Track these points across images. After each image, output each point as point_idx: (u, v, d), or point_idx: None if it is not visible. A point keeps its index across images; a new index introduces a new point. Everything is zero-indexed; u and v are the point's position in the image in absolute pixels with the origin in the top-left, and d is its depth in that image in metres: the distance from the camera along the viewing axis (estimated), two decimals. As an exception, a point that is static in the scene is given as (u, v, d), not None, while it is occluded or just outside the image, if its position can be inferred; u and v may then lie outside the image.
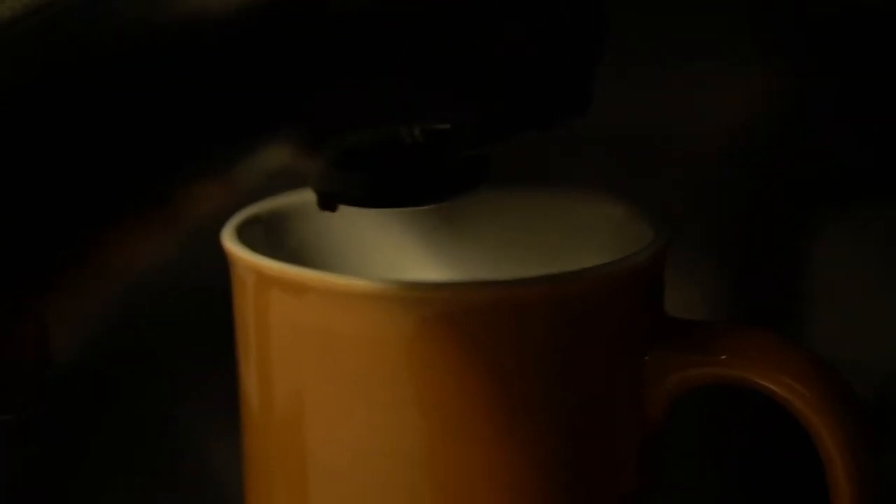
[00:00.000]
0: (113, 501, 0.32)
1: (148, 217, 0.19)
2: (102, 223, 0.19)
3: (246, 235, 0.27)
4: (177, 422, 0.32)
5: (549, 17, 0.23)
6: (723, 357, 0.24)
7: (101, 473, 0.31)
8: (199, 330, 0.31)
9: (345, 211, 0.26)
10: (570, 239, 0.29)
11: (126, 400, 0.31)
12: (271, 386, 0.25)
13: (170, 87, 0.19)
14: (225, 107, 0.19)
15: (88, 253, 0.19)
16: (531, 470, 0.24)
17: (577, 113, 0.24)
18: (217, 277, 0.26)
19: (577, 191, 0.29)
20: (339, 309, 0.24)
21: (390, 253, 0.30)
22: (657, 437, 0.25)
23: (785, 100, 0.35)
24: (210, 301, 0.27)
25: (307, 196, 0.26)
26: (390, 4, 0.21)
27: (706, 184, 0.36)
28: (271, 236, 0.29)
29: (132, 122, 0.18)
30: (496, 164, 0.25)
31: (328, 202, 0.26)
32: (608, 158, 0.35)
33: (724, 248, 0.36)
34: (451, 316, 0.23)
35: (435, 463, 0.24)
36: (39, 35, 0.22)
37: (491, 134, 0.24)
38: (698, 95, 0.35)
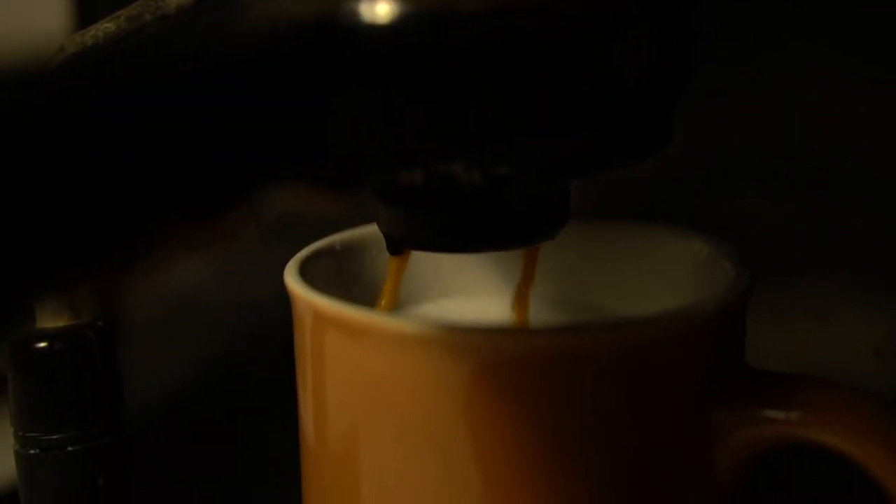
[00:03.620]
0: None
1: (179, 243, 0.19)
2: (139, 246, 0.19)
3: (315, 269, 0.26)
4: (252, 452, 0.32)
5: (631, 50, 0.22)
6: (796, 413, 0.22)
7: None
8: (270, 364, 0.31)
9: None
10: (644, 277, 0.27)
11: (199, 432, 0.31)
12: (326, 423, 0.25)
13: (207, 116, 0.18)
14: (250, 138, 0.19)
15: (135, 274, 0.19)
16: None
17: (652, 152, 0.23)
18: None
19: (655, 226, 0.28)
20: (394, 352, 0.23)
21: (464, 284, 0.29)
22: (728, 498, 0.23)
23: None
24: (280, 335, 0.27)
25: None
26: (443, 36, 0.20)
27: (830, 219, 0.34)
28: (345, 268, 0.28)
29: (169, 154, 0.18)
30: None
31: (395, 245, 0.26)
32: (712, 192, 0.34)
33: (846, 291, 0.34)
34: (504, 362, 0.22)
35: (485, 512, 0.23)
36: (121, 61, 0.23)
37: (558, 174, 0.23)
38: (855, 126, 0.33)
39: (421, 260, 0.28)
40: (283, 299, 0.26)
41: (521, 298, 0.27)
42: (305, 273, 0.26)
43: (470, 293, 0.30)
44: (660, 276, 0.27)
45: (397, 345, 0.23)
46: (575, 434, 0.22)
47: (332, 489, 0.25)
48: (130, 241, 0.19)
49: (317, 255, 0.27)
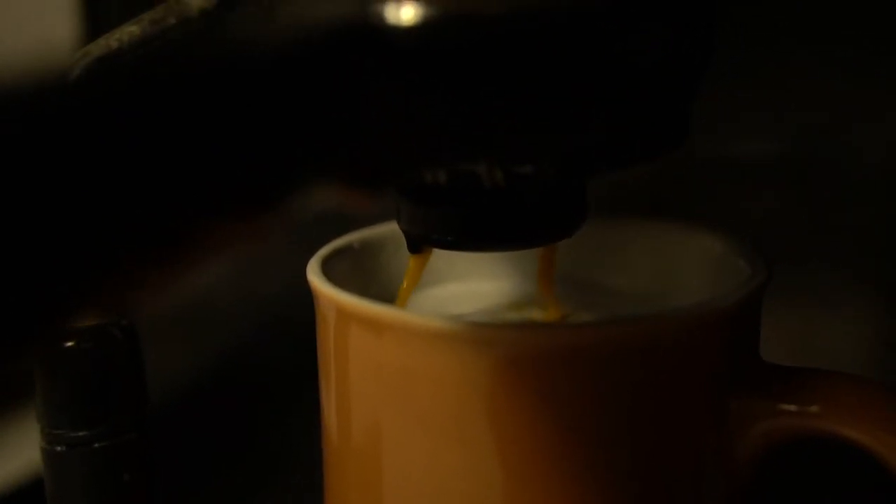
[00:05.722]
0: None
1: (211, 245, 0.19)
2: (174, 247, 0.19)
3: (335, 267, 0.27)
4: (276, 448, 0.32)
5: (650, 47, 0.22)
6: (813, 407, 0.23)
7: (194, 500, 0.32)
8: (288, 359, 0.31)
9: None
10: (661, 274, 0.28)
11: (221, 427, 0.31)
12: (349, 418, 0.25)
13: (238, 118, 0.19)
14: (283, 140, 0.19)
15: (167, 276, 0.19)
16: (606, 519, 0.23)
17: (669, 148, 0.23)
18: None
19: (672, 223, 0.28)
20: (416, 348, 0.23)
21: (487, 291, 0.30)
22: (746, 491, 0.24)
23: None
24: (309, 333, 0.28)
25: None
26: (462, 33, 0.20)
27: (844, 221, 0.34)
28: (363, 267, 0.29)
29: (201, 156, 0.19)
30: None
31: (416, 243, 0.26)
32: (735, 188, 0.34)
33: (853, 286, 0.34)
34: (528, 358, 0.23)
35: (508, 506, 0.23)
36: (144, 63, 0.23)
37: (577, 172, 0.23)
38: (851, 124, 0.33)
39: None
40: (298, 295, 0.26)
41: (542, 300, 0.28)
42: (326, 271, 0.26)
43: (474, 278, 0.30)
44: (675, 273, 0.28)
45: (421, 340, 0.23)
46: (597, 427, 0.23)
47: (355, 482, 0.25)
48: (166, 244, 0.19)
49: (337, 253, 0.28)
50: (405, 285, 0.27)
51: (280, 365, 0.33)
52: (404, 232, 0.25)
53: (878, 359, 0.35)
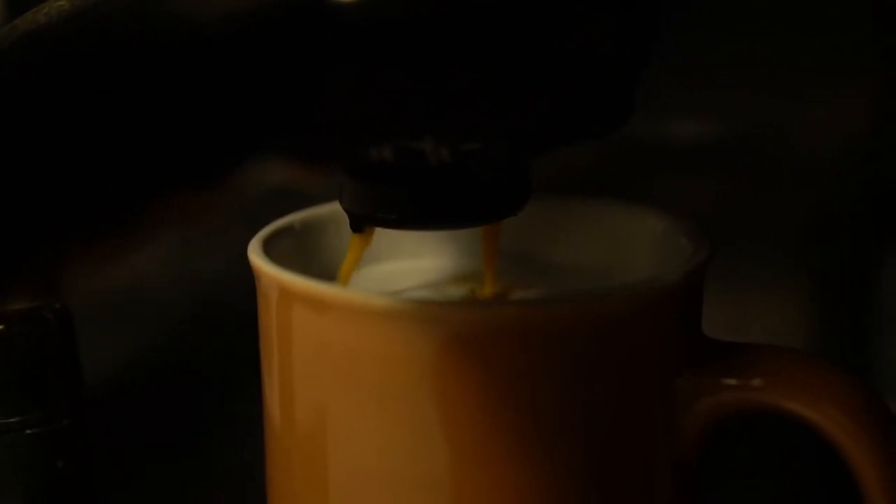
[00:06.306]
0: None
1: (155, 222, 0.19)
2: (114, 225, 0.19)
3: (276, 247, 0.26)
4: (216, 433, 0.32)
5: (596, 24, 0.22)
6: (757, 381, 0.23)
7: (130, 487, 0.31)
8: (227, 343, 0.31)
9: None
10: (609, 255, 0.28)
11: (159, 413, 0.31)
12: (293, 401, 0.25)
13: (181, 93, 0.18)
14: (228, 114, 0.19)
15: (105, 256, 0.19)
16: (554, 495, 0.23)
17: (616, 125, 0.23)
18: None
19: (614, 202, 0.28)
20: (362, 327, 0.23)
21: (428, 267, 0.29)
22: (692, 467, 0.24)
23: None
24: (249, 315, 0.27)
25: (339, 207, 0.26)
26: (408, 9, 0.20)
27: (775, 199, 0.35)
28: (305, 248, 0.28)
29: (141, 131, 0.18)
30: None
31: (359, 222, 0.26)
32: (675, 169, 0.35)
33: (790, 269, 0.35)
34: (474, 336, 0.23)
35: (456, 485, 0.23)
36: (75, 38, 0.22)
37: (524, 150, 0.23)
38: (787, 111, 0.34)
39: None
40: (237, 276, 0.26)
41: (485, 277, 0.28)
42: (268, 251, 0.26)
43: (416, 254, 0.30)
44: (618, 250, 0.28)
45: (367, 319, 0.23)
46: (544, 405, 0.23)
47: (299, 467, 0.25)
48: (106, 221, 0.18)
49: (278, 233, 0.27)
50: (346, 264, 0.27)
51: (220, 348, 0.32)
52: (347, 211, 0.25)
53: (812, 337, 0.35)
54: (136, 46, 0.20)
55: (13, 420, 0.26)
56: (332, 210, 0.28)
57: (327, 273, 0.28)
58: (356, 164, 0.24)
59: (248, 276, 0.26)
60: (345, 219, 0.26)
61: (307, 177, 0.21)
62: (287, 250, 0.27)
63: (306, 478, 0.25)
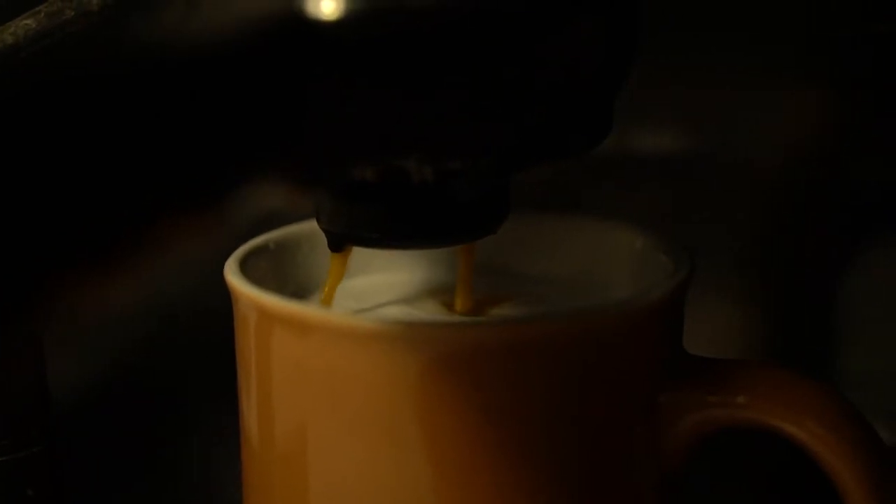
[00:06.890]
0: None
1: (141, 247, 0.18)
2: (100, 251, 0.18)
3: (251, 267, 0.26)
4: (187, 455, 0.31)
5: (570, 41, 0.22)
6: (740, 398, 0.23)
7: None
8: (205, 363, 0.30)
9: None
10: (586, 270, 0.28)
11: (131, 436, 0.30)
12: (272, 422, 0.24)
13: (160, 118, 0.18)
14: (215, 139, 0.18)
15: (85, 283, 0.18)
16: (540, 515, 0.23)
17: (596, 141, 0.23)
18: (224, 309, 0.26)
19: (595, 219, 0.28)
20: (344, 349, 0.23)
21: (402, 281, 0.29)
22: (676, 484, 0.24)
23: (835, 126, 0.34)
24: (216, 333, 0.27)
25: (316, 226, 0.25)
26: (391, 31, 0.20)
27: (743, 213, 0.35)
28: (279, 267, 0.28)
29: (126, 154, 0.18)
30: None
31: (338, 242, 0.25)
32: (645, 185, 0.35)
33: (756, 282, 0.35)
34: (459, 355, 0.22)
35: (440, 506, 0.23)
36: (43, 60, 0.22)
37: (506, 167, 0.23)
38: (740, 119, 0.34)
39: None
40: (209, 294, 0.25)
41: (462, 292, 0.27)
42: (244, 271, 0.25)
43: (391, 269, 0.29)
44: (595, 266, 0.28)
45: (349, 340, 0.23)
46: (528, 424, 0.23)
47: (279, 490, 0.24)
48: (89, 250, 0.18)
49: (253, 253, 0.27)
50: (329, 285, 0.27)
51: (189, 369, 0.32)
52: (325, 231, 0.25)
53: (761, 342, 0.36)
54: (106, 69, 0.19)
55: (-18, 448, 0.26)
56: (304, 228, 0.28)
57: (304, 291, 0.28)
58: (335, 184, 0.23)
59: (219, 294, 0.25)
60: (319, 236, 0.25)
61: (293, 200, 0.20)
62: (262, 270, 0.27)
63: (285, 497, 0.24)
